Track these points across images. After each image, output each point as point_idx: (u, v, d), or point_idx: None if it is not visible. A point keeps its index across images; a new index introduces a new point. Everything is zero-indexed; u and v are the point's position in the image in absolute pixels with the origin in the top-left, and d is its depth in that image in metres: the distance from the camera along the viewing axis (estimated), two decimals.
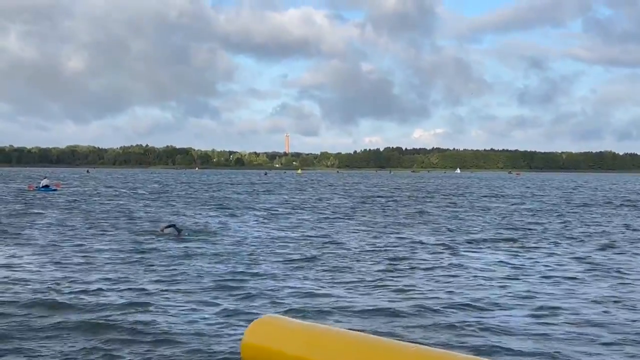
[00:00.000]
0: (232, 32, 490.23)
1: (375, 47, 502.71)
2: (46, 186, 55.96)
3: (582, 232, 25.74)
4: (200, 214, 33.08)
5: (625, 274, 15.59)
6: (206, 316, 10.50)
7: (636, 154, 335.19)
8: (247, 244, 20.19)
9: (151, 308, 11.02)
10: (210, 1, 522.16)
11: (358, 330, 2.86)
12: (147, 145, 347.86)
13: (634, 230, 27.12)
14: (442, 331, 9.93)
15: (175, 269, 15.06)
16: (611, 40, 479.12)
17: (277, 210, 36.16)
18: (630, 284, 14.32)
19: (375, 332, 8.94)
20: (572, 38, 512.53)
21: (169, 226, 22.59)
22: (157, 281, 13.56)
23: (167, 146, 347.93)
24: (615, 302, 12.30)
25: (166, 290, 12.53)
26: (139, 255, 17.30)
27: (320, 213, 34.61)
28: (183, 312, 10.83)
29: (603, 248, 20.57)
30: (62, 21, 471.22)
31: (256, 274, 14.56)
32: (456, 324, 10.30)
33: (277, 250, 18.79)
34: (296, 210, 36.65)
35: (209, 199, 47.72)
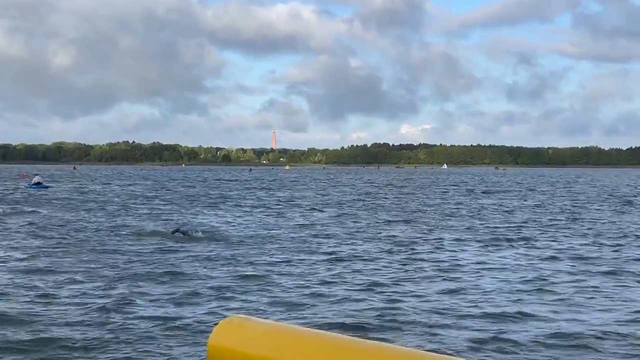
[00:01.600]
0: (219, 27, 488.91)
1: (364, 43, 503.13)
2: (38, 183, 53.95)
3: None
4: (198, 212, 32.83)
5: None
6: (175, 317, 10.22)
7: (622, 149, 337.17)
8: (236, 242, 19.95)
9: (122, 308, 10.82)
10: None
11: (330, 331, 2.64)
12: (133, 142, 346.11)
13: None
14: (429, 333, 9.77)
15: (151, 270, 14.78)
16: (600, 36, 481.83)
17: (277, 207, 35.90)
18: None
19: (349, 333, 8.76)
20: (561, 34, 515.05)
21: (176, 230, 21.63)
22: (131, 281, 13.29)
23: (154, 143, 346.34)
24: None
25: (138, 292, 12.26)
26: (122, 256, 17.07)
27: (319, 210, 34.37)
28: (151, 312, 10.57)
29: None
30: (48, 17, 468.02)
31: (236, 274, 14.33)
32: (442, 326, 10.14)
33: (265, 249, 18.60)
34: (294, 207, 36.42)
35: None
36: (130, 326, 9.66)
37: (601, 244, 20.22)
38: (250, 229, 23.46)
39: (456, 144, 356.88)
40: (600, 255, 17.61)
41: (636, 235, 22.77)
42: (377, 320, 10.15)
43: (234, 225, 24.91)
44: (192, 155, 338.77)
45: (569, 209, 35.70)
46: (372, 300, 11.57)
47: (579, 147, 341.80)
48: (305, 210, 33.66)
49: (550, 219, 29.15)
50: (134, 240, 19.72)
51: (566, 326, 9.97)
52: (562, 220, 28.90)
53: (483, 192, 56.02)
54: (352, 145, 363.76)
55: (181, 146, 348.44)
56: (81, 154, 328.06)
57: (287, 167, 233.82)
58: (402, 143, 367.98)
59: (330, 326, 9.31)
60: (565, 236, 22.40)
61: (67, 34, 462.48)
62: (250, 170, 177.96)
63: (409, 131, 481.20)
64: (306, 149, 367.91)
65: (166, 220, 26.67)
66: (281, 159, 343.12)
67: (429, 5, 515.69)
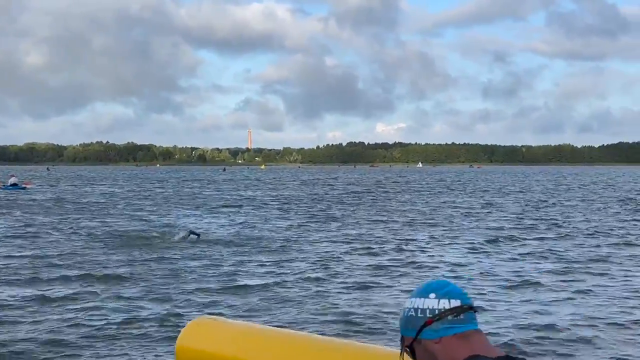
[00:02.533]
0: (194, 26, 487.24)
1: (339, 41, 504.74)
2: (14, 184, 51.93)
3: None
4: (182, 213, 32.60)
5: None
6: (143, 319, 10.07)
7: (593, 147, 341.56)
8: (212, 242, 19.79)
9: (91, 308, 10.71)
10: None
11: (299, 330, 2.59)
12: (107, 142, 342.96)
13: None
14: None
15: (123, 269, 14.61)
16: (573, 34, 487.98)
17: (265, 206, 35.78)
18: None
19: (322, 333, 8.73)
20: (535, 32, 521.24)
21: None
22: (102, 281, 13.14)
23: (128, 143, 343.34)
24: None
25: (108, 291, 12.12)
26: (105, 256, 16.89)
27: (299, 210, 34.31)
28: (119, 312, 10.44)
29: None
30: (20, 15, 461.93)
31: (211, 275, 14.22)
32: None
33: (241, 249, 18.51)
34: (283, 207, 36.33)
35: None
36: (98, 326, 9.54)
37: (592, 243, 20.35)
38: (227, 229, 23.32)
39: (431, 143, 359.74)
40: (596, 255, 17.60)
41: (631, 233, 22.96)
42: (355, 322, 10.10)
43: (211, 226, 24.76)
44: (167, 156, 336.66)
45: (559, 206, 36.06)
46: (352, 301, 11.52)
47: (552, 145, 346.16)
48: (285, 210, 33.59)
49: (543, 216, 29.41)
50: (109, 241, 19.49)
51: (558, 322, 9.94)
52: (556, 218, 29.16)
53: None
54: (328, 145, 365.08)
55: (156, 146, 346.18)
56: (54, 154, 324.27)
57: (262, 167, 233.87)
58: (378, 142, 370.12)
59: (303, 327, 9.25)
60: (553, 234, 22.58)
61: (39, 33, 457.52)
62: (224, 169, 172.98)
63: (384, 130, 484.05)
64: (282, 149, 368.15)
65: (143, 221, 26.43)
66: (257, 158, 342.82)
67: (404, 3, 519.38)
